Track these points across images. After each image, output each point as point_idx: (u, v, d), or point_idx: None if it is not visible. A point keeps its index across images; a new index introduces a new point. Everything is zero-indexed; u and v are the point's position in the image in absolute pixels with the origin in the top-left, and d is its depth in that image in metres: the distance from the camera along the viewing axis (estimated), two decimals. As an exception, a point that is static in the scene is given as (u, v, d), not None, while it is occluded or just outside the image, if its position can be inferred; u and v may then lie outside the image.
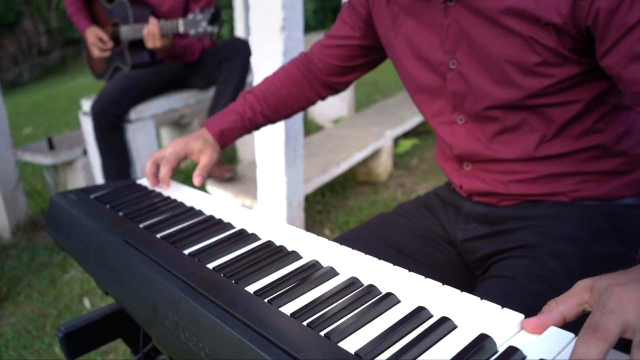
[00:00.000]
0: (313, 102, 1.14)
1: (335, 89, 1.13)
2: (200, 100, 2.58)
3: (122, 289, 0.74)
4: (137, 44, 2.27)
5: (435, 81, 0.87)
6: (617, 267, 0.54)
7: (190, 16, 1.97)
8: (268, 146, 1.63)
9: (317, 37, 3.38)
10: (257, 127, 1.11)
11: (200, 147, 1.01)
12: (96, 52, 2.33)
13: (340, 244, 0.69)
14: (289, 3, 1.43)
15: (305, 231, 0.74)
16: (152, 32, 2.02)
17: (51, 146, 2.61)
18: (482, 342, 0.46)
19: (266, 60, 1.51)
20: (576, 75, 0.75)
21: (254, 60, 1.56)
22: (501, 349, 0.47)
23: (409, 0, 0.86)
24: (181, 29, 1.98)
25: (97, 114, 2.15)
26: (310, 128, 3.63)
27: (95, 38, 2.31)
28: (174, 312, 0.61)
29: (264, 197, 1.72)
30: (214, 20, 1.89)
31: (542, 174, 0.83)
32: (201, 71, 2.36)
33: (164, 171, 0.98)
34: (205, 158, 1.00)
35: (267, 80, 1.11)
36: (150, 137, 2.31)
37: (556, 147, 0.81)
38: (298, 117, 1.63)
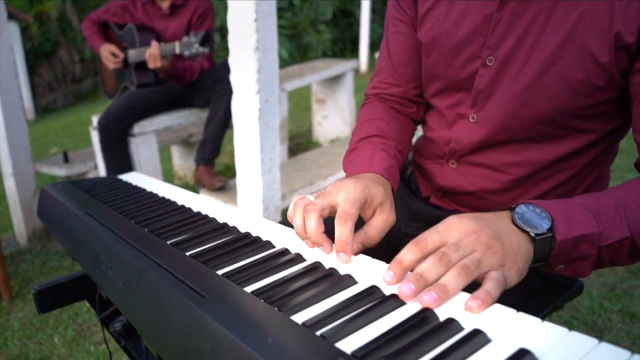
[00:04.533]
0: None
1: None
2: (200, 118, 2.80)
3: (80, 250, 0.91)
4: (143, 66, 2.51)
5: (461, 73, 0.82)
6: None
7: (185, 39, 2.21)
8: (246, 154, 1.81)
9: (334, 63, 3.59)
10: (401, 166, 0.88)
11: (382, 198, 0.70)
12: (110, 65, 2.58)
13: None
14: (262, 26, 1.63)
15: (277, 224, 0.77)
16: (153, 53, 2.27)
17: (66, 160, 2.85)
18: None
19: (243, 78, 1.70)
20: (610, 100, 0.73)
21: (232, 78, 1.75)
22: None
23: None
24: (177, 50, 2.23)
25: (103, 128, 2.38)
26: (312, 147, 3.81)
27: (108, 53, 2.57)
28: (107, 256, 0.78)
29: (242, 201, 1.90)
30: (204, 42, 2.13)
31: (519, 187, 0.84)
32: (200, 91, 2.59)
33: (346, 232, 0.62)
34: (381, 217, 0.69)
35: (367, 122, 0.93)
36: (152, 150, 2.53)
37: (550, 172, 0.82)
38: (274, 129, 1.81)
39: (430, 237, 0.56)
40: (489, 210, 0.87)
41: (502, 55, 0.76)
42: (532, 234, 0.57)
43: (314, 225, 0.63)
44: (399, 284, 0.52)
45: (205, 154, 2.48)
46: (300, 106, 5.13)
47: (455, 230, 0.56)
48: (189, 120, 2.76)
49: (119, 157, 2.40)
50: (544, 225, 0.58)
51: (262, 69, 1.68)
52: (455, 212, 0.91)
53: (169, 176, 3.56)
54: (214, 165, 2.54)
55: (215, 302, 0.54)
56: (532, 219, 0.58)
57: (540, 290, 0.90)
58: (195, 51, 2.16)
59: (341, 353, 0.43)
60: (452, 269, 0.52)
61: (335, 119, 3.81)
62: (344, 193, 0.66)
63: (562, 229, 0.58)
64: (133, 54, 2.51)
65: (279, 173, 1.88)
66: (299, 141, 4.13)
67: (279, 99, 3.21)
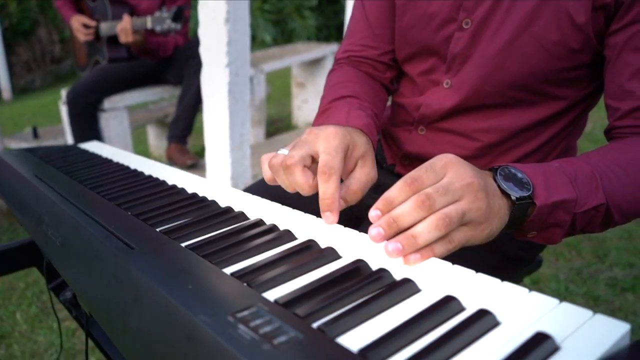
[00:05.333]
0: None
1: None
2: (173, 95, 2.74)
3: (26, 212, 0.88)
4: (115, 40, 2.45)
5: (435, 37, 0.80)
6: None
7: (157, 14, 2.16)
8: (214, 128, 1.78)
9: (314, 47, 3.54)
10: (378, 130, 0.81)
11: (365, 148, 0.64)
12: (81, 37, 2.51)
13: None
14: (234, -3, 1.59)
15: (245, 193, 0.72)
16: (124, 27, 2.21)
17: (35, 135, 2.78)
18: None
19: (212, 50, 1.66)
20: (584, 65, 0.72)
21: (202, 50, 1.71)
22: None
23: None
24: (149, 25, 2.17)
25: (72, 101, 2.32)
26: (291, 130, 3.77)
27: (79, 24, 2.50)
28: (48, 216, 0.74)
29: (211, 177, 1.86)
30: (177, 17, 2.07)
31: (487, 155, 0.82)
32: (173, 67, 2.54)
33: (331, 189, 0.57)
34: (364, 171, 0.63)
35: (339, 84, 0.86)
36: (123, 127, 2.47)
37: (519, 141, 0.80)
38: (244, 104, 1.77)
39: (427, 176, 0.51)
40: None
41: (479, 17, 0.74)
42: (513, 198, 0.55)
43: (302, 179, 0.57)
44: (370, 228, 0.49)
45: (177, 132, 2.43)
46: (282, 91, 5.09)
47: (451, 171, 0.51)
48: (161, 97, 2.70)
49: (88, 132, 2.34)
50: (525, 189, 0.56)
51: (233, 41, 1.64)
52: None
53: (144, 157, 3.49)
54: (186, 143, 2.49)
55: (144, 254, 0.52)
56: (514, 182, 0.56)
57: (499, 266, 0.89)
58: (167, 27, 2.11)
59: (263, 299, 0.41)
60: (430, 217, 0.48)
61: (314, 103, 3.78)
62: (323, 141, 0.58)
63: (542, 194, 0.56)
64: (105, 27, 2.44)
65: (249, 150, 1.85)
66: (279, 125, 4.09)
67: (258, 80, 3.18)
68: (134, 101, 2.56)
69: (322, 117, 0.79)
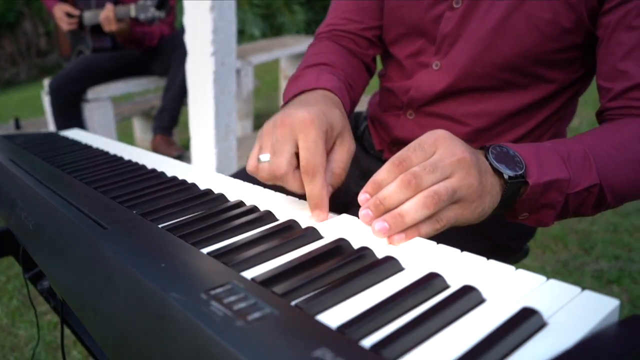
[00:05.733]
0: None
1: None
2: (159, 87, 2.70)
3: (1, 197, 0.85)
4: (99, 29, 2.40)
5: (425, 17, 0.78)
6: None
7: (140, 2, 2.11)
8: (200, 119, 1.75)
9: (303, 40, 3.49)
10: (354, 102, 0.82)
11: (341, 124, 0.59)
12: (64, 26, 2.46)
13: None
14: (219, -15, 1.56)
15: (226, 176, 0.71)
16: (107, 16, 2.17)
17: (18, 126, 2.72)
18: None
19: (197, 38, 1.63)
20: (575, 46, 0.71)
21: (187, 39, 1.68)
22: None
23: None
24: (133, 13, 2.13)
25: (54, 91, 2.27)
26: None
27: (62, 13, 2.44)
28: (22, 199, 0.72)
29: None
30: (161, 5, 2.03)
31: (477, 141, 0.79)
32: (159, 58, 2.50)
33: (317, 187, 0.54)
34: (343, 148, 0.59)
35: (314, 54, 0.83)
36: (107, 118, 2.43)
37: (508, 125, 0.79)
38: (230, 94, 1.75)
39: (415, 155, 0.49)
40: None
41: None
42: (506, 176, 0.53)
43: (296, 184, 0.55)
44: (360, 210, 0.48)
45: (163, 123, 2.39)
46: (270, 86, 5.05)
47: (441, 147, 0.49)
48: (147, 88, 2.66)
49: (71, 123, 2.30)
50: (518, 168, 0.54)
51: (219, 29, 1.61)
52: None
53: (129, 149, 3.45)
54: (171, 134, 2.45)
55: (117, 234, 0.50)
56: (507, 161, 0.54)
57: (486, 255, 0.88)
58: (151, 15, 2.07)
59: (239, 277, 0.39)
60: (417, 195, 0.46)
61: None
62: (301, 135, 0.54)
63: (535, 173, 0.54)
64: (89, 16, 2.39)
65: (235, 141, 1.82)
66: (267, 119, 4.06)
67: (245, 73, 3.14)
68: (118, 92, 2.51)
69: (292, 84, 0.74)
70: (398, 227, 0.46)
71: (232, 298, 0.35)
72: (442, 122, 0.83)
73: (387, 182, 0.48)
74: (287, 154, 0.54)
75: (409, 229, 0.47)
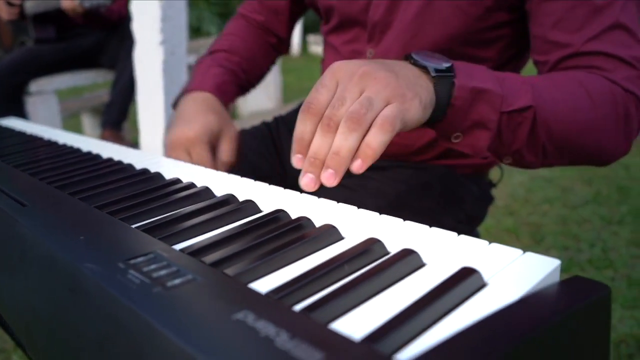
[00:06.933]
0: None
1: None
2: (108, 82, 2.61)
3: None
4: (42, 18, 2.29)
5: (354, 6, 0.77)
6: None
7: None
8: (149, 110, 1.69)
9: None
10: (245, 86, 0.92)
11: (218, 123, 0.72)
12: (4, 16, 2.33)
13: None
14: (168, -28, 1.51)
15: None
16: (69, 8, 2.07)
17: (-45, 121, 2.57)
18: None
19: (146, 26, 1.58)
20: (503, 24, 0.71)
21: (135, 27, 1.62)
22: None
23: None
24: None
25: (-6, 83, 2.15)
26: (233, 119, 3.70)
27: (1, 2, 2.31)
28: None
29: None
30: None
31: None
32: (107, 49, 2.40)
33: (203, 154, 0.69)
34: (225, 138, 0.73)
35: (225, 35, 0.94)
36: (52, 112, 2.32)
37: None
38: (180, 86, 1.69)
39: (320, 95, 0.47)
40: (393, 156, 0.83)
41: None
42: (431, 70, 0.51)
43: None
44: (300, 179, 0.46)
45: (112, 117, 2.30)
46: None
47: (339, 76, 0.48)
48: (94, 81, 2.56)
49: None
50: (443, 63, 0.52)
51: (168, 17, 1.56)
52: None
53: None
54: (120, 129, 2.37)
55: (36, 210, 0.46)
56: (432, 59, 0.52)
57: None
58: (96, 2, 1.98)
59: (164, 248, 0.36)
60: (339, 128, 0.45)
61: (259, 94, 3.71)
62: (192, 152, 0.69)
63: (463, 77, 0.52)
64: (31, 5, 2.27)
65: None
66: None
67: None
68: (64, 85, 2.40)
69: (191, 79, 0.85)
70: (342, 165, 0.44)
71: (152, 266, 0.32)
72: None
73: (307, 132, 0.47)
74: (202, 156, 0.69)
75: (360, 153, 0.45)
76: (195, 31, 6.85)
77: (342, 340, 0.23)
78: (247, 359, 0.22)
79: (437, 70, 0.51)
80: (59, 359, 0.33)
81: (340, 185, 0.72)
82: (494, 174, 0.94)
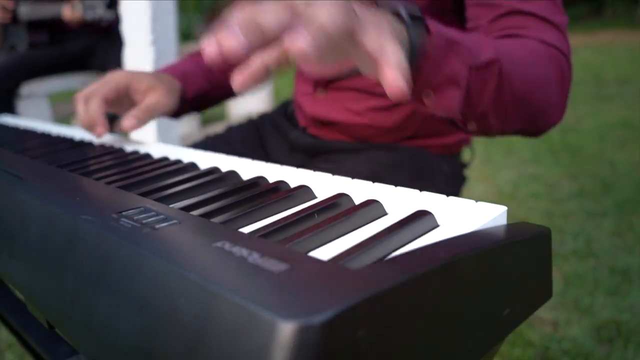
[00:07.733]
0: None
1: None
2: (100, 84, 2.63)
3: None
4: (36, 24, 2.32)
5: None
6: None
7: (88, 2, 2.04)
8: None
9: None
10: (221, 86, 0.94)
11: (151, 84, 0.75)
12: None
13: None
14: (157, -27, 1.55)
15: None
16: (70, 18, 2.10)
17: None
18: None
19: (135, 27, 1.61)
20: (448, 11, 0.73)
21: (125, 28, 1.65)
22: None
23: None
24: (79, 11, 2.05)
25: (-16, 87, 2.17)
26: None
27: None
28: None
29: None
30: (111, 4, 1.96)
31: (399, 108, 0.81)
32: (97, 53, 2.43)
33: (94, 105, 0.72)
34: (153, 97, 0.74)
35: None
36: (43, 116, 2.35)
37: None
38: (171, 85, 1.73)
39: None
40: (365, 138, 0.87)
41: None
42: (403, 14, 0.46)
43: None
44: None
45: (103, 119, 2.32)
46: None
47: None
48: (85, 84, 2.58)
49: (5, 120, 2.20)
50: (415, 9, 0.47)
51: (158, 18, 1.60)
52: (334, 141, 0.91)
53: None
54: (112, 129, 2.38)
55: (33, 182, 0.49)
56: (402, 4, 0.48)
57: None
58: (99, 16, 1.98)
59: (154, 203, 0.40)
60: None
61: (250, 97, 3.76)
62: (90, 101, 0.73)
63: (433, 26, 0.49)
64: (25, 10, 2.30)
65: (178, 135, 1.81)
66: (212, 117, 4.03)
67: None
68: (55, 88, 2.43)
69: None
70: (321, 33, 0.36)
71: (142, 216, 0.36)
72: (355, 94, 0.84)
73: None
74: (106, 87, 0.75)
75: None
76: (185, 37, 6.89)
77: (307, 258, 0.27)
78: (224, 272, 0.26)
79: (411, 17, 0.47)
80: (60, 304, 0.36)
81: (316, 167, 0.76)
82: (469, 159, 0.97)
